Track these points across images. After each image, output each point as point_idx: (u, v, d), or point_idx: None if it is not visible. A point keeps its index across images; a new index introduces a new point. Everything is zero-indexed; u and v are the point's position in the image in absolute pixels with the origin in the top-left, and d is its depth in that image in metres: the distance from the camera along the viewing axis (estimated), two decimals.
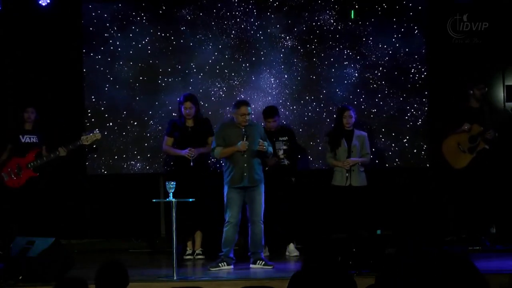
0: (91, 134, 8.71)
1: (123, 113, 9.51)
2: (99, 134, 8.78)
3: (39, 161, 8.67)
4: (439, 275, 3.45)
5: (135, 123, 9.52)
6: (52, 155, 8.64)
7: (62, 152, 8.60)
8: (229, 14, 9.59)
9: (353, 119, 8.53)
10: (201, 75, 9.56)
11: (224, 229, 7.77)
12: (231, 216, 7.73)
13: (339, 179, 8.48)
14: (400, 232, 7.48)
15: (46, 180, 8.91)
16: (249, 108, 7.70)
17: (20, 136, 8.76)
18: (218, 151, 7.74)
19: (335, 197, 8.49)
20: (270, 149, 7.86)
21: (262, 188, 7.79)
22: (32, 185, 8.67)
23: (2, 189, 8.69)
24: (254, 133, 7.73)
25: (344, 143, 8.48)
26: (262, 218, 7.78)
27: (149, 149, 9.51)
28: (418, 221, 9.11)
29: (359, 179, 8.46)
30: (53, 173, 9.07)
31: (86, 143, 8.72)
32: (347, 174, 8.40)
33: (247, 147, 7.61)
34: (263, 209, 7.77)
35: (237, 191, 7.71)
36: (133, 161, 9.50)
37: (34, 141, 8.78)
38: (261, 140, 7.67)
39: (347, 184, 8.42)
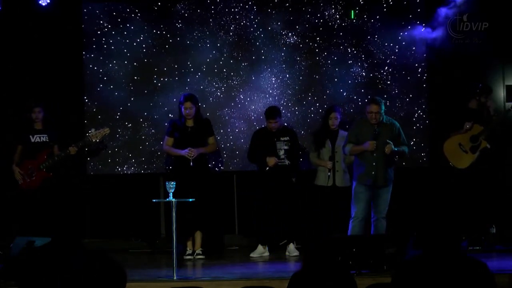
0: (100, 130, 8.74)
1: (121, 113, 9.49)
2: (108, 129, 8.81)
3: (51, 161, 8.70)
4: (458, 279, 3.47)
5: (132, 124, 9.49)
6: (63, 154, 8.67)
7: (72, 150, 8.62)
8: (228, 9, 9.44)
9: (339, 120, 8.66)
10: (198, 75, 9.45)
11: (351, 225, 7.94)
12: (357, 211, 7.93)
13: (322, 179, 8.61)
14: (400, 232, 7.47)
15: (60, 180, 8.94)
16: (378, 105, 7.84)
17: (30, 136, 8.79)
18: (349, 147, 7.98)
19: (319, 197, 8.60)
20: (405, 149, 8.00)
21: (390, 187, 7.99)
22: (47, 186, 8.70)
23: (18, 192, 8.71)
24: (387, 133, 7.88)
25: (328, 143, 8.62)
26: (385, 214, 7.94)
27: (146, 150, 9.49)
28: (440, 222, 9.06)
29: (343, 180, 8.54)
30: (63, 173, 9.06)
31: (95, 140, 8.74)
32: (329, 174, 8.52)
33: (375, 147, 7.77)
34: (387, 206, 7.95)
35: (364, 188, 7.91)
36: (129, 162, 9.47)
37: (45, 140, 8.81)
38: (389, 143, 7.78)
39: (330, 184, 8.53)
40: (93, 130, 8.77)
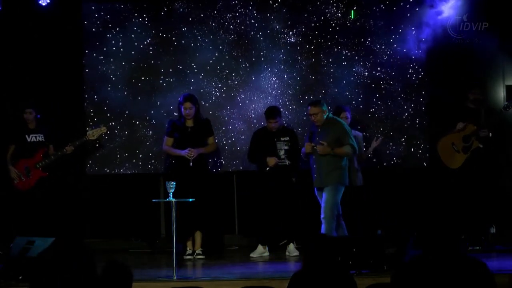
0: (96, 129, 8.79)
1: (121, 113, 9.47)
2: (105, 127, 8.89)
3: (47, 160, 8.72)
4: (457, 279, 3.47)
5: (132, 124, 9.47)
6: (59, 153, 8.69)
7: (69, 150, 8.67)
8: (227, 7, 9.38)
9: (349, 120, 8.57)
10: (197, 75, 9.42)
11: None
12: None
13: None
14: (400, 232, 7.48)
15: (55, 179, 8.95)
16: (316, 107, 7.84)
17: (26, 136, 8.80)
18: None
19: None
20: (347, 149, 7.83)
21: (331, 187, 7.79)
22: (43, 185, 8.72)
23: (13, 191, 8.73)
24: (326, 133, 7.86)
25: None
26: (330, 216, 7.75)
27: (146, 151, 9.48)
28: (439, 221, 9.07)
29: (357, 179, 8.51)
30: (59, 172, 9.09)
31: (93, 138, 8.79)
32: None
33: (311, 149, 7.84)
34: (329, 208, 7.75)
35: (317, 191, 7.98)
36: (128, 163, 9.46)
37: (41, 139, 8.82)
38: (322, 143, 7.76)
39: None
40: (90, 129, 8.82)
